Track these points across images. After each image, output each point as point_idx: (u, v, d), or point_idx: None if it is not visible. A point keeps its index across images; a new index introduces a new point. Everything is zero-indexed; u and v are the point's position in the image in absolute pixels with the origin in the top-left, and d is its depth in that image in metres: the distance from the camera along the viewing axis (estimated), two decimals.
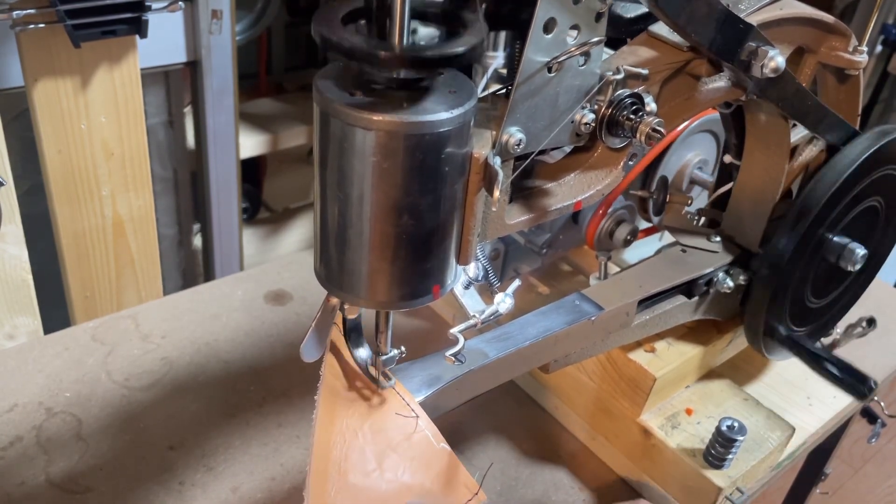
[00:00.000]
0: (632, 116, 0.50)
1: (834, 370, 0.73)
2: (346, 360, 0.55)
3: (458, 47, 0.40)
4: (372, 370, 0.53)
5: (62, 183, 1.15)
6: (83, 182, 1.17)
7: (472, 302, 0.51)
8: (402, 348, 0.53)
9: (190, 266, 1.64)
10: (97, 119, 1.14)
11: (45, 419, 0.73)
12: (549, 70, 0.45)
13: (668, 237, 0.84)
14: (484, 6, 0.49)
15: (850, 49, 0.65)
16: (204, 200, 1.51)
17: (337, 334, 0.55)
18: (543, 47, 0.44)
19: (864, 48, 0.66)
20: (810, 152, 0.72)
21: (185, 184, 1.51)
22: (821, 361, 0.73)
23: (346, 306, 0.50)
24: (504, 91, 0.49)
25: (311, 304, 0.92)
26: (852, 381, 0.74)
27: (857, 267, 0.71)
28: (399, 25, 0.39)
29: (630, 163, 0.54)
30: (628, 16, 0.56)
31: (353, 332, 0.53)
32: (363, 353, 0.53)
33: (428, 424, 0.53)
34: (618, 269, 0.75)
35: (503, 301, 0.52)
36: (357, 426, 0.52)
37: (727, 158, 0.74)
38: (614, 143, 0.52)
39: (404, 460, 0.51)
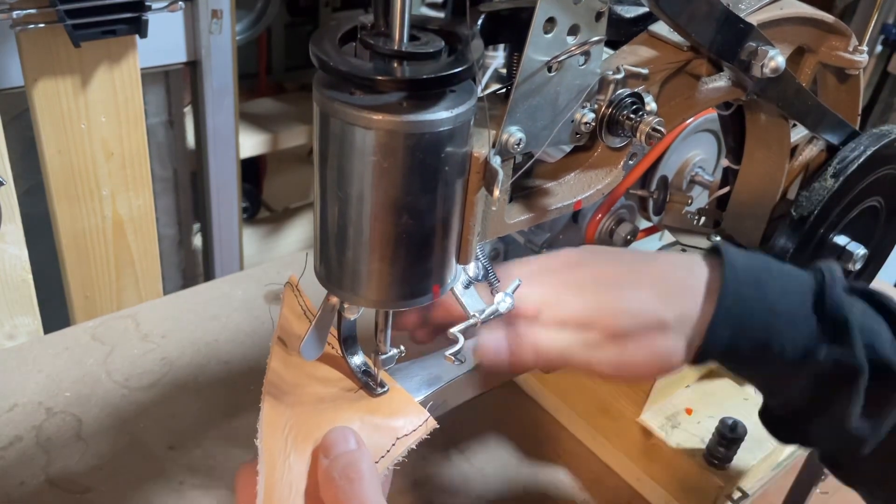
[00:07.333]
0: (632, 116, 0.50)
1: None
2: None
3: (456, 67, 0.40)
4: (362, 370, 0.53)
5: (62, 183, 1.15)
6: (83, 182, 1.17)
7: (472, 301, 0.51)
8: (402, 348, 0.53)
9: (190, 266, 1.64)
10: (97, 119, 1.14)
11: (45, 419, 0.73)
12: (550, 69, 0.45)
13: (668, 237, 0.84)
14: (480, 22, 0.49)
15: (851, 49, 0.65)
16: (204, 200, 1.51)
17: (287, 327, 0.55)
18: (543, 47, 0.44)
19: (864, 48, 0.66)
20: (810, 152, 0.72)
21: (185, 184, 1.51)
22: None
23: (345, 305, 0.50)
24: (504, 91, 0.49)
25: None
26: None
27: (857, 267, 0.71)
28: (399, 30, 0.39)
29: (630, 162, 0.54)
30: (628, 16, 0.56)
31: (348, 340, 0.53)
32: (358, 360, 0.53)
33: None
34: None
35: (503, 300, 0.52)
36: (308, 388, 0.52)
37: (725, 163, 0.74)
38: (614, 142, 0.52)
39: (356, 399, 0.51)
